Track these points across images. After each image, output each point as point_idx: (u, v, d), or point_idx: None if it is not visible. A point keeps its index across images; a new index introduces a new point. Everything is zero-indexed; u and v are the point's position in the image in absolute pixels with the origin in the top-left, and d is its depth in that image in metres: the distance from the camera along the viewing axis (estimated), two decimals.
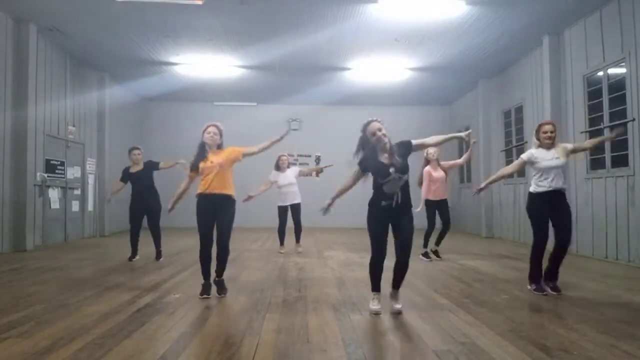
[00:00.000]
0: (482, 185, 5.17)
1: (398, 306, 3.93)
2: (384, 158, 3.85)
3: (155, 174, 7.21)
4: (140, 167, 7.08)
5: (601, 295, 4.68)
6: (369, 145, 3.90)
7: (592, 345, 3.07)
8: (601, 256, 7.41)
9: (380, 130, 3.83)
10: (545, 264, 4.84)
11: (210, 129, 4.64)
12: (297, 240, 8.17)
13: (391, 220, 3.90)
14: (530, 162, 4.86)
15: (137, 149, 7.21)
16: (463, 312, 3.95)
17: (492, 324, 3.60)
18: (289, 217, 8.12)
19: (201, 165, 4.57)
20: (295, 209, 8.04)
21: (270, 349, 3.02)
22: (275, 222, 8.21)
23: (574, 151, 4.96)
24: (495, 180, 5.13)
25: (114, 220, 12.16)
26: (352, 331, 3.42)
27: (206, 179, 4.54)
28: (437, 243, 7.32)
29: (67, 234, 10.19)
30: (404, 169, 3.83)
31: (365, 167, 3.93)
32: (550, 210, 4.79)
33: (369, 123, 3.90)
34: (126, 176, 7.12)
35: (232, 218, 4.63)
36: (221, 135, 4.68)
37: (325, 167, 8.28)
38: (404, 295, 4.60)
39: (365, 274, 5.87)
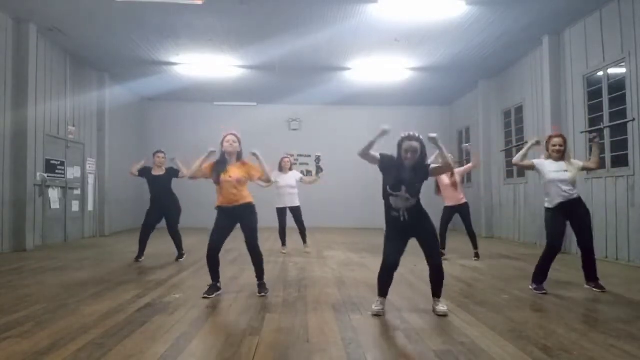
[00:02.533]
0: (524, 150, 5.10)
1: (443, 308, 3.87)
2: (404, 172, 3.86)
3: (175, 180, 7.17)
4: (162, 171, 7.09)
5: (601, 295, 4.68)
6: (399, 154, 3.92)
7: (592, 345, 3.07)
8: (601, 256, 7.40)
9: (415, 152, 3.83)
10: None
11: (229, 137, 4.68)
12: (304, 241, 8.24)
13: (410, 234, 3.94)
14: (537, 170, 4.98)
15: (162, 152, 7.22)
16: (463, 312, 3.95)
17: (492, 324, 3.60)
18: (292, 220, 8.17)
19: (221, 177, 4.59)
20: (295, 211, 8.12)
21: (270, 349, 3.02)
22: (275, 222, 8.22)
23: (583, 169, 5.07)
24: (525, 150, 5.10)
25: (114, 220, 12.17)
26: (352, 331, 3.42)
27: (224, 192, 4.58)
28: (474, 247, 7.46)
29: (67, 234, 10.19)
30: (414, 192, 3.85)
31: (383, 166, 3.96)
32: (567, 220, 4.90)
33: (407, 139, 3.87)
34: (146, 174, 7.12)
35: (256, 223, 4.72)
36: (240, 143, 4.72)
37: (319, 175, 8.85)
38: (403, 295, 4.60)
39: (365, 273, 5.90)
